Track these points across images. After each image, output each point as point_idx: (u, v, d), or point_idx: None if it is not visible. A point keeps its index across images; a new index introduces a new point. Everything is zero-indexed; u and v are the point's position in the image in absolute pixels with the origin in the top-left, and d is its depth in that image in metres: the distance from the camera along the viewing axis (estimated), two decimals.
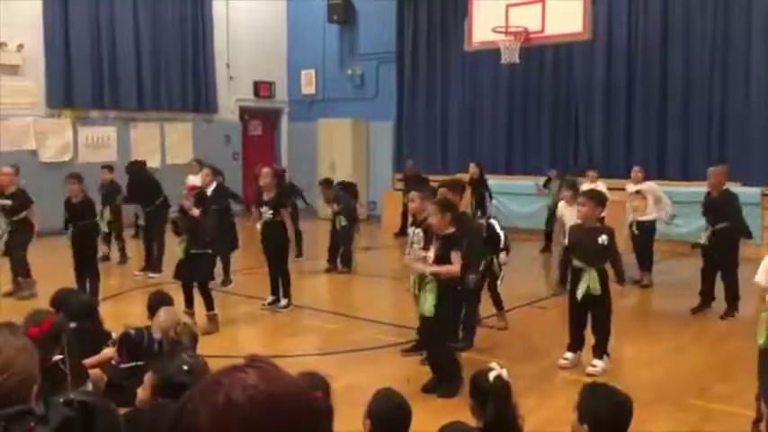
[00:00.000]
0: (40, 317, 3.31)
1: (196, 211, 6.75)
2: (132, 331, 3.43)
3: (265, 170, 7.86)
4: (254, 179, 8.50)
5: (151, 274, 9.18)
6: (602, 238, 5.54)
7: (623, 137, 12.62)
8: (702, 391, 5.21)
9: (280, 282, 7.76)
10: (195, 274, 6.78)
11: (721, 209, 7.39)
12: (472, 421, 2.96)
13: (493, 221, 6.87)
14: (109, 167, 10.33)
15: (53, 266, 8.22)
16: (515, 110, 13.87)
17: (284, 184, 8.78)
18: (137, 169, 10.35)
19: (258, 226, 7.75)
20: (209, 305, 6.84)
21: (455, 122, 14.70)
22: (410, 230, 6.15)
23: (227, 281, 8.74)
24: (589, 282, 5.51)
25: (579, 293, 5.56)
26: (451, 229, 5.24)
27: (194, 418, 0.92)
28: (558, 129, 13.37)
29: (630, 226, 8.82)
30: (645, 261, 8.86)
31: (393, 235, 12.76)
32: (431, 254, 5.27)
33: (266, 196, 7.69)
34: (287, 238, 7.61)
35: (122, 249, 10.35)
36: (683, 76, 11.94)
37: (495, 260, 6.60)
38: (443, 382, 5.13)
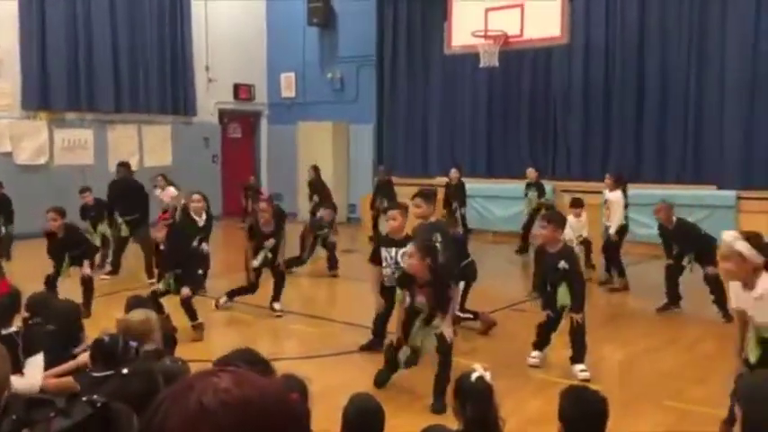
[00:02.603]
0: None
1: (161, 237, 6.79)
2: (106, 337, 3.39)
3: (263, 206, 7.91)
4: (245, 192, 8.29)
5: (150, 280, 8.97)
6: (562, 264, 5.57)
7: (601, 139, 12.75)
8: (678, 393, 5.26)
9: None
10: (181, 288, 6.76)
11: (683, 240, 7.64)
12: (454, 424, 2.98)
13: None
14: (86, 189, 10.13)
15: (30, 270, 8.11)
16: (495, 113, 13.94)
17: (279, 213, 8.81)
18: (124, 175, 10.09)
19: (256, 263, 7.71)
20: (194, 318, 6.78)
21: (435, 125, 14.75)
22: (388, 251, 6.02)
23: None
24: (561, 298, 5.61)
25: (558, 305, 5.66)
26: (430, 275, 5.04)
27: (165, 422, 0.91)
28: (536, 131, 13.47)
29: (605, 229, 9.02)
30: (614, 266, 9.01)
31: (368, 238, 12.77)
32: (422, 299, 5.09)
33: (266, 229, 7.75)
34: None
35: (105, 257, 10.14)
36: (660, 79, 12.08)
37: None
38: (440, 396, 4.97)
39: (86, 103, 13.98)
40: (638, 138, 12.38)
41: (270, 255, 7.76)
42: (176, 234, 7.11)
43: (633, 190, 10.33)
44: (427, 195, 6.46)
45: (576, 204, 9.32)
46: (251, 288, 7.82)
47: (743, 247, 3.70)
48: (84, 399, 1.33)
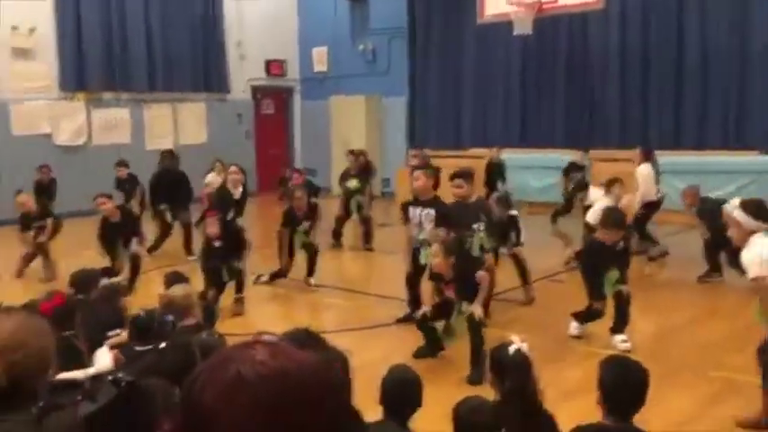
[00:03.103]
0: (53, 294, 3.35)
1: (214, 233, 6.82)
2: (143, 313, 3.45)
3: (299, 194, 8.02)
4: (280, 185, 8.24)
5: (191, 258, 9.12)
6: (620, 245, 5.62)
7: (639, 106, 12.45)
8: (721, 363, 5.17)
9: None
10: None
11: (712, 217, 7.46)
12: (491, 395, 2.97)
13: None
14: (123, 163, 10.25)
15: (72, 248, 8.29)
16: (529, 82, 13.71)
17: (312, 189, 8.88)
18: (167, 164, 10.07)
19: (305, 238, 7.84)
20: (241, 288, 6.91)
21: (469, 96, 14.57)
22: (414, 211, 6.05)
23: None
24: (611, 279, 5.59)
25: (606, 290, 5.65)
26: (454, 273, 5.17)
27: (203, 394, 0.91)
28: (572, 100, 13.21)
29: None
30: (642, 238, 8.83)
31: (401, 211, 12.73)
32: (451, 293, 5.21)
33: (300, 214, 7.87)
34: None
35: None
36: (699, 42, 11.72)
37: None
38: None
39: (122, 82, 14.14)
40: (678, 104, 12.06)
41: (305, 237, 7.86)
42: (225, 227, 7.07)
43: (672, 157, 10.12)
44: (467, 175, 6.39)
45: (610, 183, 9.12)
46: (283, 273, 7.90)
47: (738, 214, 4.03)
48: (109, 378, 1.33)
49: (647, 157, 9.01)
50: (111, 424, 1.31)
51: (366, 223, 10.04)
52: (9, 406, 1.66)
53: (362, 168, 10.53)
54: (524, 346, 2.95)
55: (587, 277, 5.79)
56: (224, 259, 6.77)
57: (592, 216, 7.41)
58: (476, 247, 5.99)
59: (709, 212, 7.54)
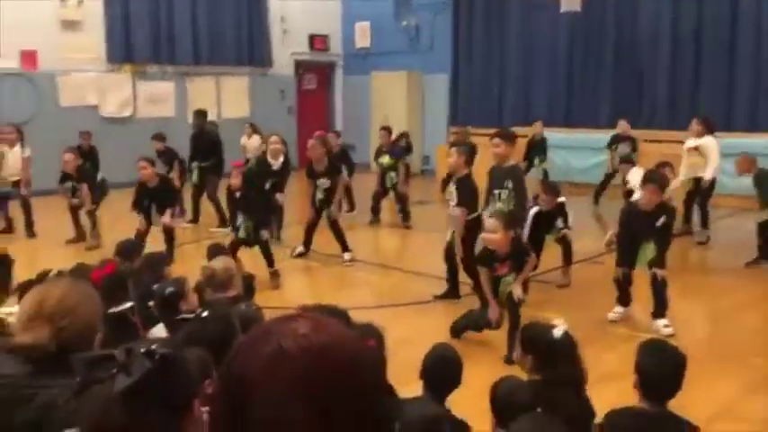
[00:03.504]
0: (105, 263, 3.41)
1: (236, 184, 6.90)
2: (171, 287, 3.49)
3: (311, 142, 7.93)
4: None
5: (214, 230, 9.28)
6: (662, 220, 5.44)
7: (689, 86, 12.11)
8: (766, 350, 5.05)
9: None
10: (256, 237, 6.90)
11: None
12: (524, 376, 2.95)
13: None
14: (159, 137, 10.41)
15: (116, 218, 8.47)
16: (575, 60, 13.44)
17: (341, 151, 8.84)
18: (200, 123, 10.38)
19: (319, 195, 7.81)
20: (271, 263, 6.92)
21: (512, 74, 14.35)
22: (449, 186, 6.12)
23: (278, 237, 8.70)
24: (646, 253, 5.47)
25: (638, 263, 5.54)
26: (510, 248, 5.00)
27: (244, 366, 0.92)
28: (620, 79, 12.90)
29: (689, 182, 8.57)
30: (703, 216, 8.59)
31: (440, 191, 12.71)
32: (504, 270, 5.10)
33: (318, 168, 7.79)
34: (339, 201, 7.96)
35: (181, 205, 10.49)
36: (755, 21, 11.31)
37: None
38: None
39: (167, 55, 14.29)
40: (731, 84, 11.69)
41: (323, 195, 7.73)
42: (251, 180, 7.16)
43: (724, 139, 9.81)
44: (506, 135, 6.31)
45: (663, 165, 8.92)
46: (308, 228, 7.88)
47: None
48: (143, 350, 1.34)
49: (712, 129, 8.70)
50: (147, 397, 1.32)
51: (402, 201, 10.01)
52: (57, 372, 1.71)
53: (395, 145, 10.49)
54: (567, 328, 2.92)
55: (618, 241, 5.67)
56: (244, 212, 6.84)
57: (633, 177, 7.35)
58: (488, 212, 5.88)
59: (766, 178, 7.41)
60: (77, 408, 1.56)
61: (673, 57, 12.22)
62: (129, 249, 4.86)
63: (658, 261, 5.45)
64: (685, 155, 8.74)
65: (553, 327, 2.90)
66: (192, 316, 3.61)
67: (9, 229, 9.29)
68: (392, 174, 10.00)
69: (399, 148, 10.56)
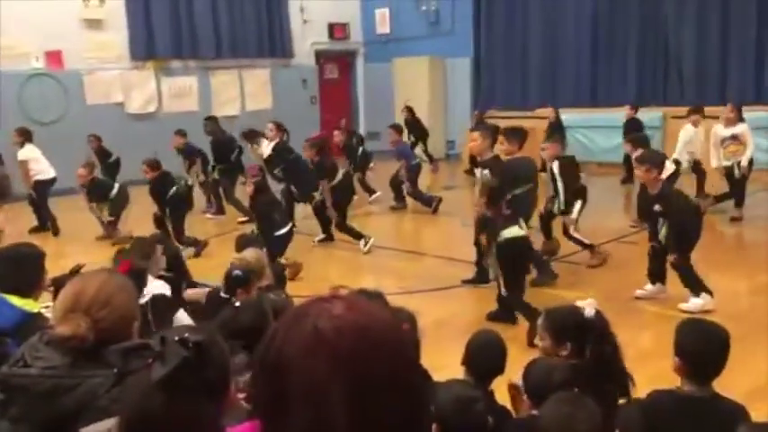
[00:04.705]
0: (118, 262, 3.49)
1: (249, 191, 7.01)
2: (240, 272, 3.67)
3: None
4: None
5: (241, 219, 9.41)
6: (657, 207, 5.47)
7: (717, 60, 11.87)
8: None
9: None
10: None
11: None
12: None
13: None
14: (180, 132, 10.50)
15: (143, 214, 8.58)
16: (600, 38, 13.24)
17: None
18: (211, 129, 10.51)
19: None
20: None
21: (536, 55, 14.19)
22: (477, 172, 6.00)
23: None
24: (663, 234, 5.50)
25: (661, 236, 5.52)
26: None
27: (281, 349, 0.92)
28: (646, 56, 12.69)
29: (729, 168, 8.45)
30: (739, 197, 8.52)
31: (464, 172, 12.68)
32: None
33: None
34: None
35: (209, 198, 10.59)
36: None
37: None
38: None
39: (189, 50, 14.38)
40: (760, 56, 11.43)
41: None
42: (263, 190, 7.12)
43: (755, 113, 9.64)
44: (511, 133, 6.27)
45: (695, 111, 8.78)
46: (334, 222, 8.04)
47: None
48: (176, 338, 1.35)
49: (741, 114, 8.60)
50: (184, 384, 1.34)
51: (416, 195, 9.97)
52: (97, 362, 1.74)
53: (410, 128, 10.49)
54: (596, 305, 2.88)
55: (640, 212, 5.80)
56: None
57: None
58: None
59: None
60: (117, 397, 1.59)
61: (699, 32, 11.97)
62: (141, 248, 4.82)
63: (671, 245, 5.46)
64: (717, 144, 8.54)
65: (582, 308, 2.85)
66: (228, 297, 3.77)
67: (44, 227, 9.42)
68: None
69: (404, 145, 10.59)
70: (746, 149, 8.37)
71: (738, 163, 8.40)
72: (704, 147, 8.83)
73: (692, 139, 8.63)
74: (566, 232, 6.91)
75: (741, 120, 8.52)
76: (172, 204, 8.07)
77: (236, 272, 3.78)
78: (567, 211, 6.76)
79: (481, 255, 6.25)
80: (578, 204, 6.83)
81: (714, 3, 11.74)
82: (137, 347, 1.74)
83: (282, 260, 6.62)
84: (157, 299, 3.62)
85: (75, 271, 3.53)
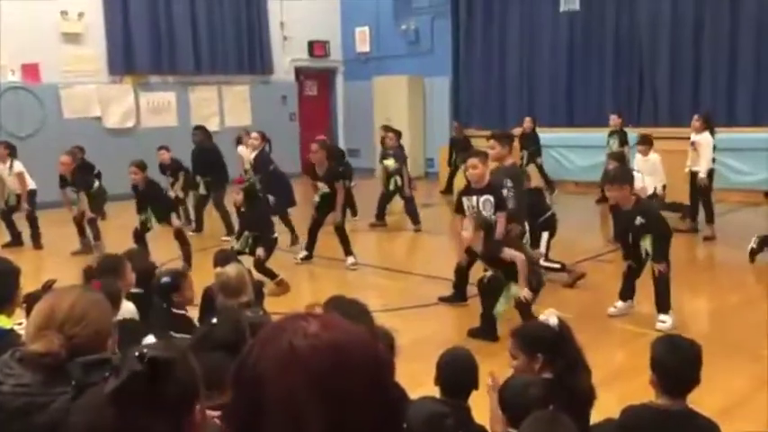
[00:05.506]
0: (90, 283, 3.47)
1: (238, 201, 7.04)
2: (168, 278, 3.69)
3: (314, 146, 7.90)
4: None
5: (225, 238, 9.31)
6: (639, 220, 5.46)
7: (690, 82, 12.10)
8: None
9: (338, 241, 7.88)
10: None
11: None
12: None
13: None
14: (165, 148, 10.46)
15: (122, 229, 8.49)
16: (576, 60, 13.44)
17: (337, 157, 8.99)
18: (200, 138, 10.33)
19: (316, 198, 7.86)
20: (272, 277, 6.80)
21: (514, 75, 14.36)
22: (469, 200, 5.91)
23: (294, 239, 8.76)
24: (645, 246, 5.49)
25: (644, 248, 5.51)
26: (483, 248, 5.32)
27: (256, 366, 0.92)
28: (621, 76, 12.91)
29: (691, 173, 8.68)
30: (707, 211, 8.65)
31: (440, 192, 12.78)
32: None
33: (319, 171, 7.79)
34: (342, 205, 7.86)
35: (187, 215, 10.50)
36: (755, 14, 11.27)
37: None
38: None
39: (168, 65, 14.34)
40: (732, 79, 11.67)
41: (318, 199, 7.77)
42: (252, 196, 7.19)
43: (727, 134, 9.82)
44: (501, 137, 6.32)
45: (643, 141, 8.89)
46: (311, 230, 7.92)
47: None
48: (136, 352, 1.33)
49: (708, 124, 8.79)
50: (136, 399, 1.31)
51: (409, 204, 10.01)
52: (69, 378, 1.71)
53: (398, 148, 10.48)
54: (557, 313, 2.94)
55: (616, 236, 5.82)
56: (247, 227, 6.96)
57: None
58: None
59: None
60: (72, 410, 1.56)
61: (673, 54, 12.20)
62: (108, 266, 4.69)
63: (656, 255, 5.44)
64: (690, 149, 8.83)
65: (546, 320, 2.91)
66: (181, 312, 3.74)
67: (16, 242, 9.32)
68: (397, 177, 9.99)
69: (403, 151, 10.54)
70: (701, 160, 8.54)
71: (697, 173, 8.58)
72: (676, 168, 8.99)
73: (643, 169, 8.69)
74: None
75: (707, 130, 8.69)
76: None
77: (165, 279, 3.91)
78: (534, 245, 6.62)
79: (461, 278, 6.26)
80: (545, 236, 6.81)
81: (687, 29, 11.98)
82: (100, 362, 1.71)
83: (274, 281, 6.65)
84: (125, 324, 3.56)
85: (48, 287, 3.47)
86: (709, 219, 8.62)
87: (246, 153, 10.64)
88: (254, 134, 9.16)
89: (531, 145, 12.13)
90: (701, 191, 8.61)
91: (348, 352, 0.93)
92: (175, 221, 7.80)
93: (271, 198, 8.45)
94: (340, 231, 7.82)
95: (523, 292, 5.07)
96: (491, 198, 5.80)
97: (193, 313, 4.23)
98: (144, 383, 1.30)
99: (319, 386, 0.89)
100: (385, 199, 10.13)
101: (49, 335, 1.73)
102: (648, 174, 8.44)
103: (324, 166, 7.80)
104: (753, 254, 7.36)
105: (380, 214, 10.09)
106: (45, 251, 9.11)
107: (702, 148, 8.58)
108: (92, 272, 3.92)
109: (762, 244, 7.37)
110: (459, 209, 6.07)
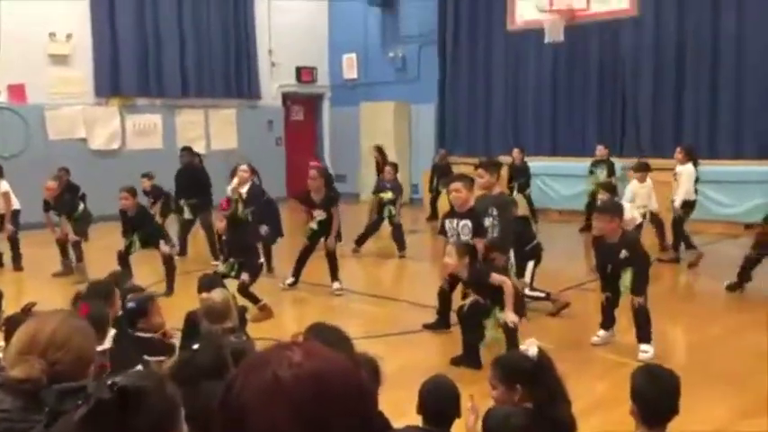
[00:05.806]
0: (78, 306, 3.43)
1: (221, 228, 7.04)
2: (134, 303, 3.67)
3: (313, 173, 7.91)
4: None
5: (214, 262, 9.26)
6: (624, 253, 5.49)
7: (672, 114, 12.29)
8: (758, 374, 5.07)
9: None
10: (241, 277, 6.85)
11: None
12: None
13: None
14: (147, 176, 10.46)
15: (107, 251, 8.43)
16: (560, 90, 13.62)
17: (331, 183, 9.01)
18: (188, 160, 10.35)
19: (313, 225, 7.85)
20: (255, 301, 6.76)
21: (498, 104, 14.53)
22: (450, 222, 5.96)
23: (269, 269, 8.73)
24: (625, 280, 5.53)
25: (625, 283, 5.55)
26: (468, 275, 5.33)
27: (242, 394, 0.93)
28: (604, 108, 13.10)
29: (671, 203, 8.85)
30: (681, 240, 8.82)
31: (425, 219, 12.83)
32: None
33: (316, 198, 7.80)
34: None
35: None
36: (736, 47, 11.50)
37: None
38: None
39: (155, 88, 14.36)
40: (714, 112, 11.86)
41: (316, 227, 7.77)
42: (234, 224, 7.16)
43: (709, 167, 9.96)
44: (489, 165, 6.36)
45: (640, 168, 9.03)
46: (301, 257, 7.91)
47: None
48: (108, 381, 1.32)
49: (691, 156, 8.96)
50: (103, 428, 1.29)
51: (397, 230, 10.04)
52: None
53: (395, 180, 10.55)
54: (537, 344, 2.95)
55: (596, 268, 5.88)
56: (231, 254, 6.93)
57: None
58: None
59: None
60: None
61: (655, 86, 12.40)
62: (98, 291, 4.69)
63: (635, 288, 5.48)
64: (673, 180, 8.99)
65: (526, 350, 2.92)
66: (147, 336, 3.71)
67: None
68: (391, 207, 10.07)
69: (399, 183, 10.65)
70: (680, 190, 8.70)
71: (672, 201, 8.77)
72: (658, 198, 9.11)
73: (640, 194, 8.86)
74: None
75: (690, 162, 8.86)
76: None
77: (130, 304, 3.86)
78: (519, 274, 6.58)
79: (444, 303, 6.27)
80: (530, 265, 6.82)
81: (669, 62, 12.20)
82: (75, 389, 1.69)
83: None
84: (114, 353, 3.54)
85: (27, 310, 3.44)
86: (688, 246, 8.81)
87: (234, 183, 10.65)
88: (243, 167, 9.10)
89: (521, 177, 12.16)
90: (674, 220, 8.79)
91: (329, 381, 0.94)
92: (163, 248, 7.76)
93: (264, 228, 8.43)
94: (332, 257, 7.82)
95: (509, 316, 5.07)
96: (469, 223, 5.83)
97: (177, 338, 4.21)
98: (113, 412, 1.28)
99: (301, 416, 0.90)
100: (371, 229, 10.16)
101: (31, 360, 1.72)
102: (645, 198, 8.73)
103: (321, 193, 7.83)
104: (731, 289, 7.46)
105: (361, 241, 10.08)
106: (25, 273, 9.02)
107: (682, 179, 8.74)
108: (80, 298, 3.91)
109: (741, 280, 7.47)
110: (441, 231, 6.11)
